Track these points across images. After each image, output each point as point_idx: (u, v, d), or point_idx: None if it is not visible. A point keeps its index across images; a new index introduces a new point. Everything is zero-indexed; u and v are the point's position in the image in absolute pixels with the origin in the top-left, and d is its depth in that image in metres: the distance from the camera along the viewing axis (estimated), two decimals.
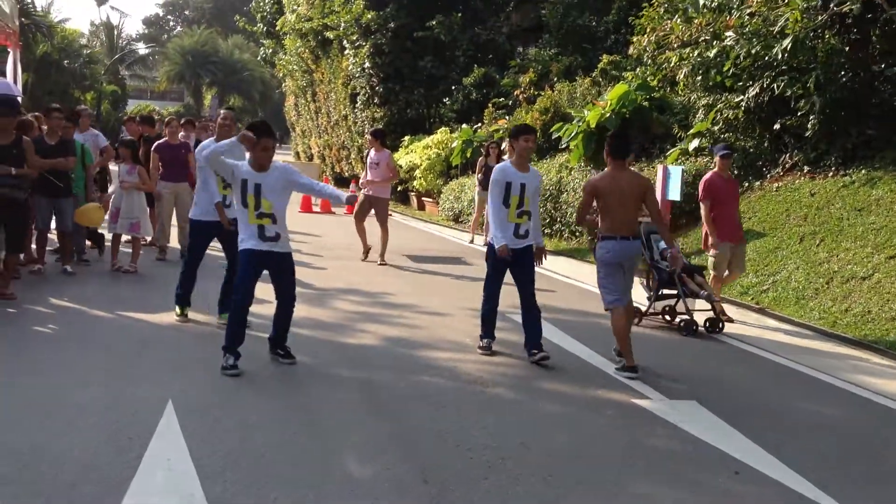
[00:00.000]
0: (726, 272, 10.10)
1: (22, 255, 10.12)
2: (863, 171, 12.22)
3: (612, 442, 5.69)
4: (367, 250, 13.41)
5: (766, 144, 13.92)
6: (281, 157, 15.62)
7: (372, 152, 13.50)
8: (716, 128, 14.22)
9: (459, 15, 25.48)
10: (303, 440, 5.35)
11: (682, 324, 9.20)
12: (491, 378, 7.05)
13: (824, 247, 11.10)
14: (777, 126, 13.35)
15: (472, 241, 16.65)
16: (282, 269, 7.05)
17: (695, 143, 14.54)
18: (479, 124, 22.51)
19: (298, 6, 32.07)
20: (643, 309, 9.50)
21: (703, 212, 10.04)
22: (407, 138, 25.10)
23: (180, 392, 6.07)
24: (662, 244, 9.39)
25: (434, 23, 25.33)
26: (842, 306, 9.88)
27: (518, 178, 7.54)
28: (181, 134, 12.98)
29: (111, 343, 7.47)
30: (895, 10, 11.66)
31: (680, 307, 9.35)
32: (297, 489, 4.59)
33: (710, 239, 9.94)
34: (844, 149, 12.81)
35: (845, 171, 12.52)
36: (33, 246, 10.60)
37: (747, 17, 13.55)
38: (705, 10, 14.26)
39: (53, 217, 10.44)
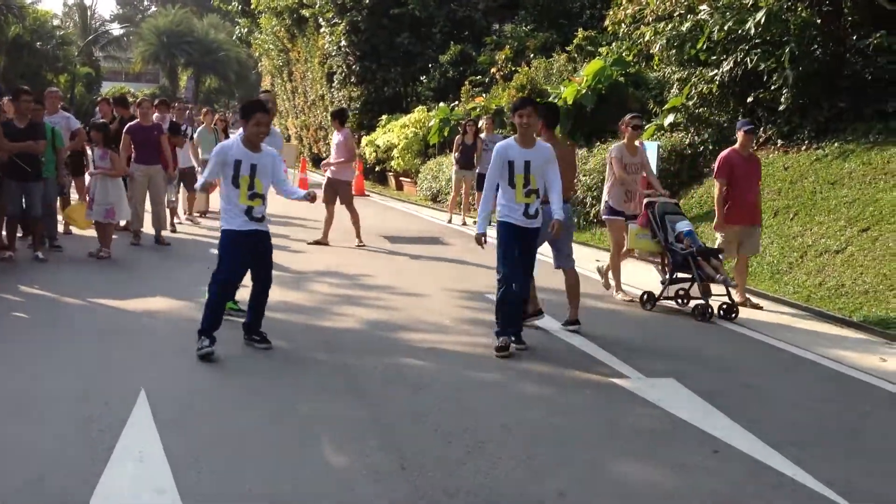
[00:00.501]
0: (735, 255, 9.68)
1: None
2: (835, 145, 12.24)
3: (591, 422, 5.67)
4: (321, 241, 12.95)
5: (739, 118, 13.89)
6: None
7: (334, 133, 13.36)
8: (690, 102, 14.20)
9: None
10: (279, 428, 5.30)
11: (696, 309, 8.84)
12: (470, 359, 7.02)
13: (798, 221, 11.13)
14: (750, 100, 13.34)
15: (450, 221, 16.58)
16: (264, 250, 6.99)
17: (670, 119, 14.52)
18: (457, 102, 22.40)
19: None
20: (656, 293, 9.19)
21: (715, 190, 9.60)
22: (384, 117, 24.96)
23: (154, 381, 5.99)
24: (679, 226, 9.08)
25: None
26: (816, 280, 9.91)
27: (521, 156, 7.19)
28: (155, 115, 12.83)
29: (83, 331, 7.38)
30: None
31: (694, 291, 9.00)
32: (272, 478, 4.55)
33: (716, 220, 9.50)
34: (817, 122, 12.82)
35: (818, 145, 12.54)
36: (3, 232, 10.46)
37: None
38: None
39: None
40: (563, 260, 8.07)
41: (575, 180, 7.94)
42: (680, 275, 9.07)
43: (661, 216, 9.18)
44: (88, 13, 66.61)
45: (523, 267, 7.40)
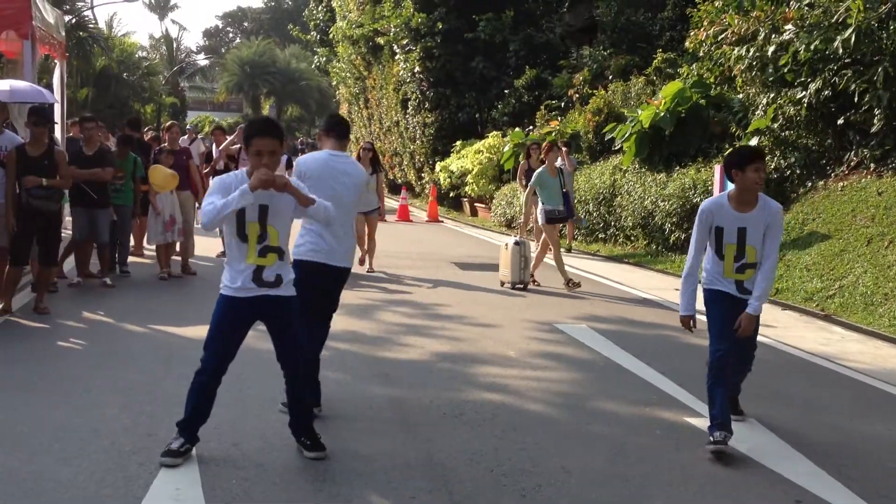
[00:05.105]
0: None
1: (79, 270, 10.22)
2: None
3: (660, 465, 5.22)
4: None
5: (829, 142, 13.24)
6: None
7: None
8: (776, 125, 13.58)
9: (511, 13, 24.98)
10: (324, 465, 4.99)
11: None
12: (534, 394, 6.64)
13: (894, 249, 10.43)
14: (841, 122, 12.67)
15: None
16: (282, 321, 5.07)
17: (754, 142, 13.90)
18: (531, 127, 22.07)
19: (350, 12, 32.01)
20: None
21: None
22: (458, 143, 24.76)
23: None
24: None
25: (482, 20, 24.86)
26: None
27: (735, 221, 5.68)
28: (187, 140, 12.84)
29: (139, 359, 7.22)
30: None
31: None
32: None
33: None
34: None
35: None
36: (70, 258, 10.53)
37: (807, 8, 12.92)
38: (763, 2, 13.68)
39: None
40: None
41: None
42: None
43: None
44: (174, 45, 68.35)
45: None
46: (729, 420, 5.52)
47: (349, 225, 6.01)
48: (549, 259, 12.10)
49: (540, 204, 11.75)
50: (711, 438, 5.43)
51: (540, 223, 11.96)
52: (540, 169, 11.94)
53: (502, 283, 11.70)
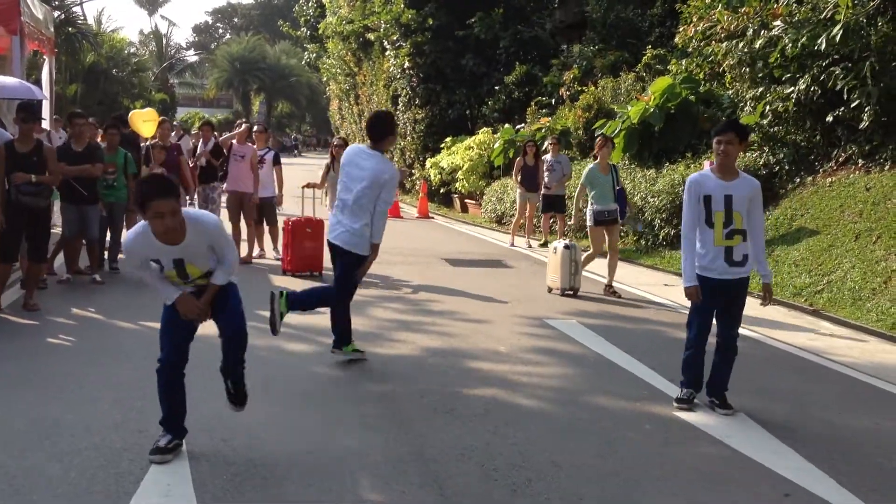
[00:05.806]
0: None
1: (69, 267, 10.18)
2: None
3: (651, 460, 5.25)
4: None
5: (818, 137, 13.30)
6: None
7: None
8: (765, 121, 13.64)
9: (500, 11, 25.00)
10: (316, 460, 5.01)
11: None
12: (525, 390, 6.66)
13: (881, 244, 10.50)
14: (829, 118, 12.72)
15: (512, 244, 16.18)
16: (220, 305, 5.16)
17: None
18: (522, 124, 22.09)
19: (340, 8, 31.96)
20: None
21: None
22: (449, 139, 24.76)
23: (192, 409, 5.73)
24: None
25: (474, 20, 24.90)
26: None
27: (720, 189, 6.09)
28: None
29: (129, 355, 7.21)
30: None
31: None
32: None
33: None
34: None
35: None
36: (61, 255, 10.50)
37: (795, 4, 12.96)
38: None
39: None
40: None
41: None
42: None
43: None
44: (164, 41, 68.12)
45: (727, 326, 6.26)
46: (700, 384, 6.25)
47: (359, 210, 6.98)
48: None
49: (590, 204, 10.92)
50: (678, 395, 6.23)
51: (588, 224, 11.10)
52: (591, 166, 11.24)
53: (550, 290, 10.94)
